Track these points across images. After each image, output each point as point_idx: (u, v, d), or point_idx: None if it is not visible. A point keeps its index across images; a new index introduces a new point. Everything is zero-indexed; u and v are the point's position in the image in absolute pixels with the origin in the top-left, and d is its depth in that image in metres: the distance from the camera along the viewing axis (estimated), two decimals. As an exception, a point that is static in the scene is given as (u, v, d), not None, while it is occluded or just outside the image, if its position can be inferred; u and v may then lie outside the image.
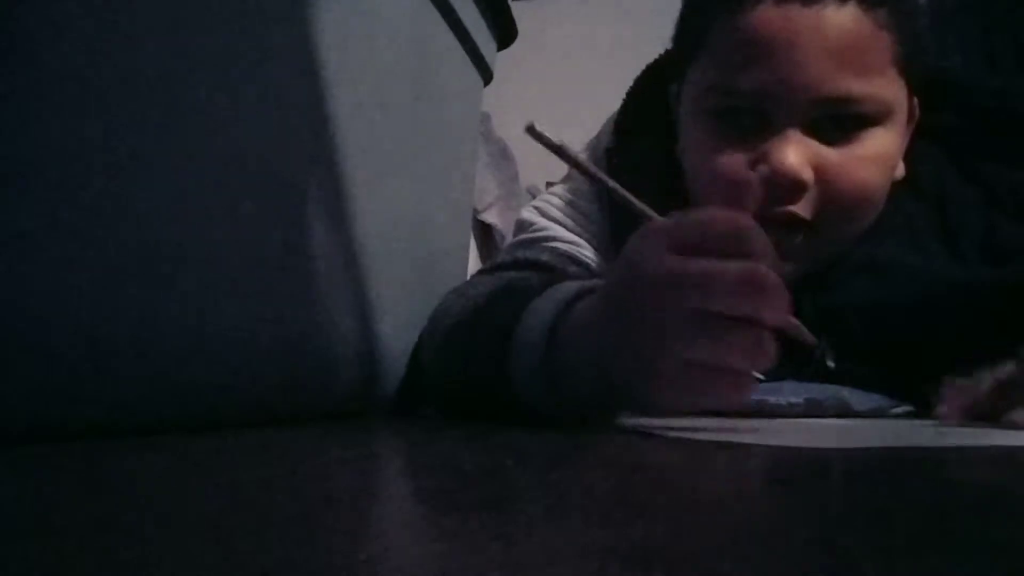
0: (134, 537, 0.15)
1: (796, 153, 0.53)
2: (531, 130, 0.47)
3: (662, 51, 0.70)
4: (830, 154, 0.54)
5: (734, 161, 0.55)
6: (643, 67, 0.71)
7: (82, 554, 0.14)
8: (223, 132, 0.39)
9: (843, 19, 0.52)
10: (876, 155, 0.55)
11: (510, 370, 0.45)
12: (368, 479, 0.26)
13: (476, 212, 1.75)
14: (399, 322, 0.58)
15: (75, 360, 0.32)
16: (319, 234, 0.47)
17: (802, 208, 0.54)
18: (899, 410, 0.54)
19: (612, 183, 0.45)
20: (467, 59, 0.71)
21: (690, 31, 0.60)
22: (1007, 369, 0.46)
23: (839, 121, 0.54)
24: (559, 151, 0.46)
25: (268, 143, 0.42)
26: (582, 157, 0.47)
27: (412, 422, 0.52)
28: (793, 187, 0.53)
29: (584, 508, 0.19)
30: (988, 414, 0.45)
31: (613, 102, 0.71)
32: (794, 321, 0.42)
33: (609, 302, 0.41)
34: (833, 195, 0.54)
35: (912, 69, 0.55)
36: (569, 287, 0.46)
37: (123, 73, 0.33)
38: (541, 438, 0.37)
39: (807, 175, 0.53)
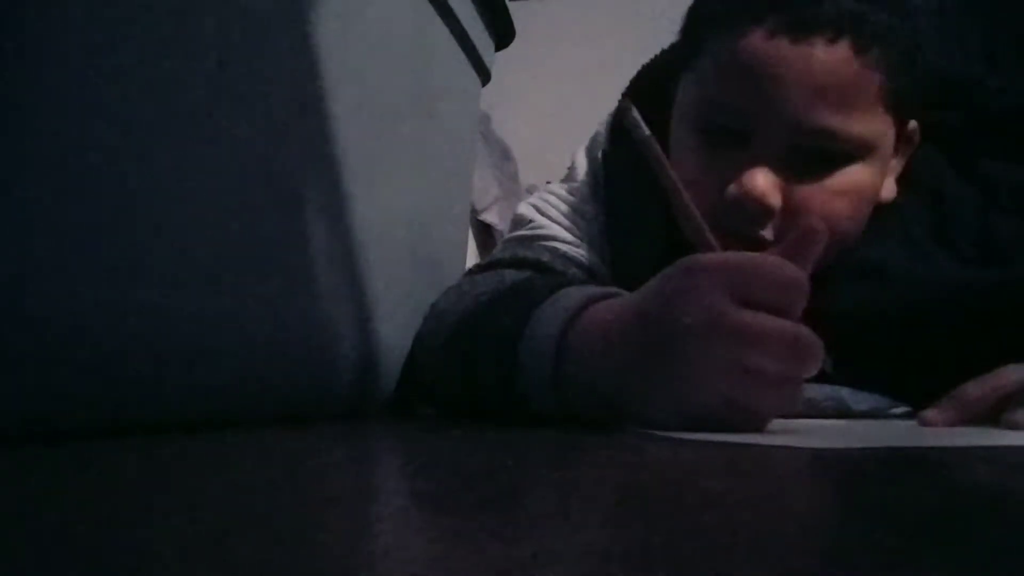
0: (134, 537, 0.15)
1: (766, 179, 0.53)
2: (626, 111, 0.47)
3: (659, 52, 0.70)
4: (801, 185, 0.54)
5: (708, 178, 0.56)
6: (640, 68, 0.71)
7: (82, 554, 0.14)
8: (222, 132, 0.39)
9: (830, 58, 0.51)
10: (849, 189, 0.55)
11: (516, 376, 0.45)
12: (368, 479, 0.26)
13: (476, 212, 1.74)
14: (399, 322, 0.58)
15: (75, 360, 0.32)
16: (319, 234, 0.47)
17: (769, 232, 0.54)
18: (898, 410, 0.54)
19: (686, 194, 0.46)
20: (465, 59, 0.71)
21: (687, 41, 0.61)
22: (1007, 371, 0.45)
23: (815, 154, 0.54)
24: (644, 143, 0.46)
25: (267, 143, 0.42)
26: (663, 157, 0.47)
27: (412, 422, 0.52)
28: (759, 211, 0.54)
29: (584, 508, 0.19)
30: (987, 416, 0.45)
31: (611, 103, 0.71)
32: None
33: (641, 322, 0.41)
34: (799, 224, 0.54)
35: (904, 105, 0.55)
36: (575, 294, 0.46)
37: (123, 73, 0.33)
38: (541, 438, 0.37)
39: (774, 201, 0.54)
